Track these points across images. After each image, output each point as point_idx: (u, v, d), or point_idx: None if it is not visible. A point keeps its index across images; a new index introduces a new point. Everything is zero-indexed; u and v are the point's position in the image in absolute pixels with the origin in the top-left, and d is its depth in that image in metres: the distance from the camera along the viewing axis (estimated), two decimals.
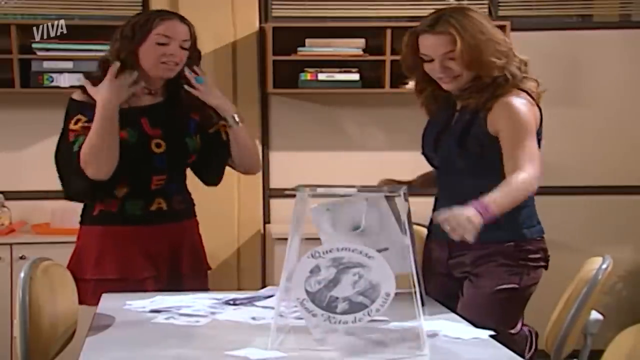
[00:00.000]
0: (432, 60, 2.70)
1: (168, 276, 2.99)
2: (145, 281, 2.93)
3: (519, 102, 2.65)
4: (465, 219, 2.30)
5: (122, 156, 2.87)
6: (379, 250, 2.38)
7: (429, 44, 2.69)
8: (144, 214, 2.96)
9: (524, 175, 2.54)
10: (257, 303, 2.65)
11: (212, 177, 3.13)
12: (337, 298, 2.10)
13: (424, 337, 2.13)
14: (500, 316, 2.68)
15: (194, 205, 3.12)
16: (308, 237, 2.22)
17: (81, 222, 3.07)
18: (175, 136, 2.97)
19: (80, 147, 2.86)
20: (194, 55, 2.99)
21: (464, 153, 2.70)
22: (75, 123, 2.90)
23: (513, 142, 2.61)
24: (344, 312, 2.10)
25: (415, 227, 3.17)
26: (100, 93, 2.85)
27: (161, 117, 2.96)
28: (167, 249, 2.99)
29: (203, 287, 3.06)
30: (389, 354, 2.12)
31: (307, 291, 2.10)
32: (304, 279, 2.10)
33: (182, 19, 2.95)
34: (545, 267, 2.78)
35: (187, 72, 2.95)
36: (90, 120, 2.85)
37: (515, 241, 2.70)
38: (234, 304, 2.63)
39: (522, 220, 2.72)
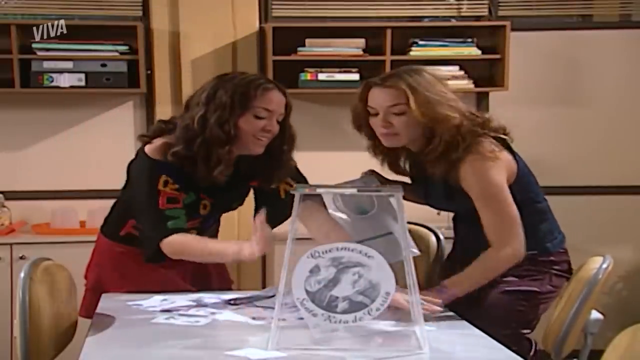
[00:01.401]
0: (377, 114, 2.70)
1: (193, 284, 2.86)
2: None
3: (484, 161, 2.62)
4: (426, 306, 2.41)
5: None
6: (386, 234, 2.42)
7: (377, 96, 2.69)
8: None
9: (504, 257, 2.62)
10: (257, 303, 2.65)
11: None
12: (337, 297, 2.10)
13: (424, 335, 2.14)
14: (515, 316, 2.70)
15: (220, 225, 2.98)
16: (307, 237, 2.24)
17: (105, 234, 2.91)
18: (224, 203, 2.81)
19: (174, 229, 2.58)
20: (289, 133, 2.75)
21: (453, 205, 2.77)
22: (165, 185, 2.60)
23: (490, 208, 2.62)
24: (344, 312, 2.11)
25: (414, 227, 3.19)
26: (246, 249, 2.46)
27: (219, 188, 2.70)
28: (192, 270, 2.86)
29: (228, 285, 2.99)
30: (389, 353, 2.12)
31: (307, 291, 2.11)
32: (304, 278, 2.10)
33: (279, 88, 2.67)
34: (568, 279, 2.80)
35: None
36: (175, 182, 2.61)
37: (539, 252, 2.73)
38: (235, 304, 2.63)
39: (542, 237, 2.76)
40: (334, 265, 2.10)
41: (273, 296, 2.65)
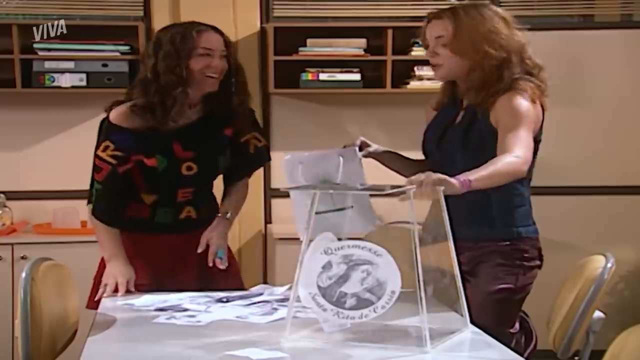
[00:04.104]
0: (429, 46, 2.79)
1: (202, 279, 2.95)
2: (180, 286, 2.88)
3: (522, 98, 2.67)
4: (438, 179, 2.29)
5: (149, 180, 2.87)
6: (345, 208, 2.43)
7: (429, 30, 2.78)
8: (174, 223, 2.93)
9: (511, 158, 2.55)
10: (254, 299, 2.66)
11: (235, 179, 3.08)
12: (346, 294, 2.14)
13: (427, 334, 2.16)
14: (498, 316, 2.70)
15: (219, 210, 3.07)
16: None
17: None
18: (207, 156, 2.92)
19: (94, 202, 2.89)
20: (234, 66, 2.91)
21: (466, 149, 2.72)
22: (104, 150, 2.82)
23: (508, 129, 2.62)
24: (351, 308, 2.14)
25: (404, 225, 3.16)
26: (115, 266, 2.83)
27: (194, 138, 2.88)
28: (196, 255, 2.94)
29: (237, 285, 3.03)
30: (393, 350, 2.15)
31: (318, 286, 2.15)
32: (317, 274, 2.14)
33: (216, 30, 2.88)
34: (540, 267, 2.80)
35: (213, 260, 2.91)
36: (117, 148, 2.80)
37: (511, 241, 2.72)
38: (227, 301, 2.64)
39: (518, 219, 2.75)
40: (345, 262, 2.14)
41: (262, 294, 2.71)
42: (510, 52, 2.71)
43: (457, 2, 2.81)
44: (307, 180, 2.48)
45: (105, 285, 2.80)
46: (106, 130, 2.85)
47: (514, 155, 2.54)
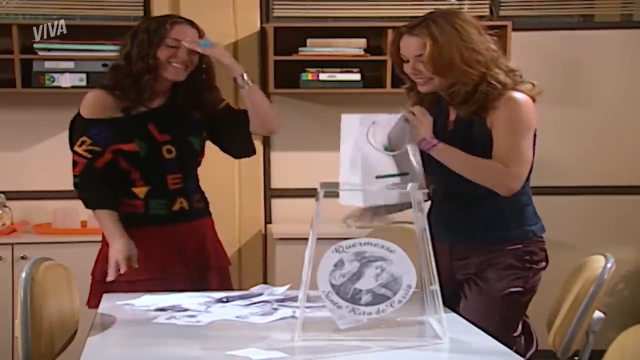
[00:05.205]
0: (408, 61, 2.74)
1: (197, 272, 3.04)
2: (176, 279, 2.96)
3: (522, 98, 2.67)
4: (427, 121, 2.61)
5: (135, 165, 2.94)
6: (401, 174, 2.47)
7: (405, 45, 2.73)
8: (168, 214, 3.00)
9: (502, 167, 2.61)
10: (254, 299, 2.66)
11: (244, 149, 3.17)
12: (360, 290, 2.17)
13: (445, 326, 2.19)
14: (504, 319, 2.71)
15: (208, 203, 3.16)
16: (324, 237, 2.28)
17: None
18: (182, 138, 3.03)
19: (77, 185, 2.96)
20: (205, 61, 3.03)
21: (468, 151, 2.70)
22: (80, 145, 2.93)
23: (509, 138, 2.63)
24: (367, 304, 2.18)
25: (408, 226, 3.17)
26: (113, 245, 2.90)
27: (168, 120, 3.01)
28: (194, 246, 3.04)
29: (226, 282, 3.13)
30: (412, 342, 2.20)
31: (331, 284, 2.17)
32: (329, 272, 2.16)
33: (192, 24, 3.01)
34: (545, 268, 2.80)
35: (186, 44, 2.94)
36: (94, 142, 2.91)
37: (523, 242, 2.73)
38: (227, 301, 2.64)
39: (528, 217, 2.76)
40: (357, 260, 2.17)
41: (261, 294, 2.71)
42: (489, 65, 2.68)
43: (431, 12, 2.75)
44: (375, 143, 2.57)
45: (113, 264, 2.87)
46: (82, 126, 2.94)
47: (506, 169, 2.61)
